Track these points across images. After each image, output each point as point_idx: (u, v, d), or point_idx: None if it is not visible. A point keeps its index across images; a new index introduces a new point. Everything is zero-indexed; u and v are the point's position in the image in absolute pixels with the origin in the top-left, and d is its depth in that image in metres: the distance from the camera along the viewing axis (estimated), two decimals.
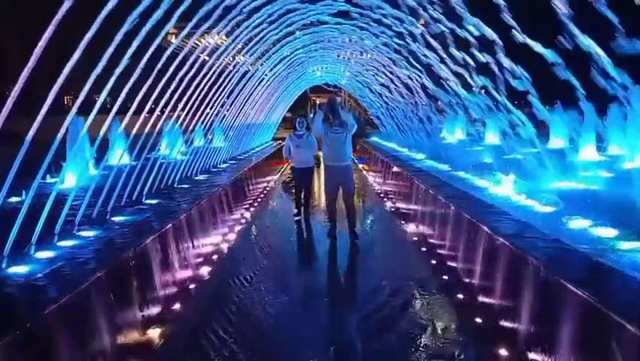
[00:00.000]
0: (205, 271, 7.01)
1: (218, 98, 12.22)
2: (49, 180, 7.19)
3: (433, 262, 7.29)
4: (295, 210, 10.79)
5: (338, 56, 19.39)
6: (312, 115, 22.82)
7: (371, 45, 14.40)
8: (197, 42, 9.08)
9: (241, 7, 8.73)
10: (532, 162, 8.22)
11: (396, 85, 16.10)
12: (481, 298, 5.50)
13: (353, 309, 5.99)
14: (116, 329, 4.31)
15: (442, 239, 7.57)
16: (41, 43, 4.34)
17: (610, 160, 11.22)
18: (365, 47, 15.88)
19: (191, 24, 7.73)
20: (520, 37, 7.01)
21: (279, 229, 10.55)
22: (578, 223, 5.51)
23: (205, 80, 10.41)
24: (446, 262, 6.99)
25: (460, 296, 5.84)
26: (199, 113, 11.24)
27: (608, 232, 5.07)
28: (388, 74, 16.01)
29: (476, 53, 8.67)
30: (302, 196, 10.72)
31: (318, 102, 59.11)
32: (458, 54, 9.48)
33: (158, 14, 5.84)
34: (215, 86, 11.56)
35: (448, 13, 8.49)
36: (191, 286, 6.41)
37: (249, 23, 10.19)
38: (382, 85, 17.70)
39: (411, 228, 9.47)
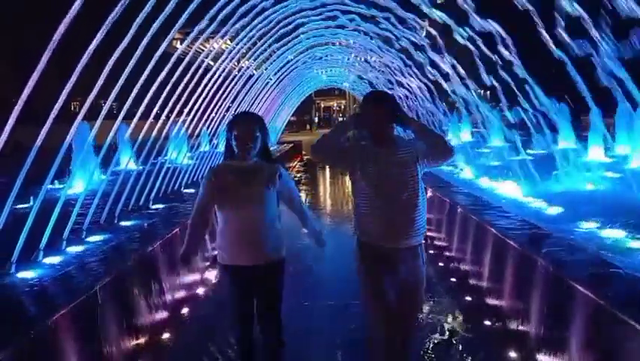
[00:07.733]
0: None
1: (223, 102, 12.25)
2: (57, 185, 7.22)
3: None
4: None
5: (349, 58, 19.35)
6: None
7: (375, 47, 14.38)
8: (201, 47, 9.11)
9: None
10: None
11: (401, 86, 16.05)
12: None
13: None
14: (123, 334, 4.31)
15: None
16: (47, 52, 4.36)
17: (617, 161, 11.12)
18: (369, 50, 15.85)
19: (194, 31, 7.75)
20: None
21: None
22: None
23: (210, 85, 10.45)
24: None
25: None
26: (204, 118, 11.27)
27: None
28: (393, 75, 15.97)
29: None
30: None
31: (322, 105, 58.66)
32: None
33: (160, 20, 5.86)
34: (220, 91, 11.60)
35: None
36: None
37: (254, 26, 10.18)
38: (387, 85, 17.64)
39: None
